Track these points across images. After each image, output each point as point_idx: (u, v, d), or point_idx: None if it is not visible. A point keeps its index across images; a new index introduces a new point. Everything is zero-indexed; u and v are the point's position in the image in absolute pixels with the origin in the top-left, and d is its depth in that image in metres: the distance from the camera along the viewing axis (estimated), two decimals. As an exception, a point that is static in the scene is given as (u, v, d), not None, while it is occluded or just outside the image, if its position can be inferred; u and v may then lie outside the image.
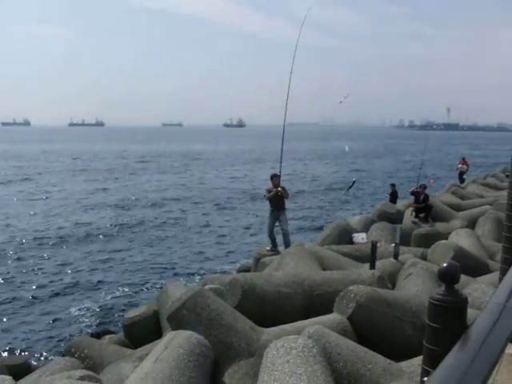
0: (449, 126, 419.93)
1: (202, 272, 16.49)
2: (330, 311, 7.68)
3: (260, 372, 5.76)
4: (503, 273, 4.47)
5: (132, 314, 10.57)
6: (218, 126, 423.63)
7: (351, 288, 7.56)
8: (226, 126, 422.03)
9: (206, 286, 9.24)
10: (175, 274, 16.60)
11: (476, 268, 10.31)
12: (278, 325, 7.60)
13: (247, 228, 24.44)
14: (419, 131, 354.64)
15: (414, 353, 6.29)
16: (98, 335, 11.48)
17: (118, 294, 14.99)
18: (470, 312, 6.79)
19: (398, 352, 6.94)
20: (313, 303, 8.54)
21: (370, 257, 9.60)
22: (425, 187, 16.68)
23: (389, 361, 6.29)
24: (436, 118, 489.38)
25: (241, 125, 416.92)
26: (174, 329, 7.14)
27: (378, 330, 7.37)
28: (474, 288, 8.67)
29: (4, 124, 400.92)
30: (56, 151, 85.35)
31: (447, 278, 2.91)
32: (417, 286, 8.60)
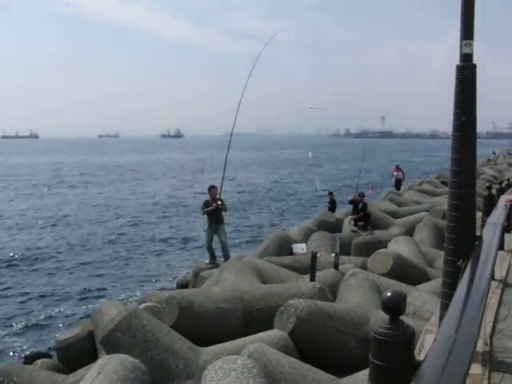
0: (384, 134, 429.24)
1: (140, 289, 15.96)
2: (271, 326, 7.46)
3: (198, 396, 5.47)
4: (446, 286, 4.35)
5: (65, 335, 10.05)
6: (155, 137, 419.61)
7: (291, 302, 7.37)
8: (164, 136, 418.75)
9: (143, 305, 8.86)
10: (113, 291, 15.98)
11: (416, 276, 10.32)
12: (219, 343, 7.32)
13: (186, 241, 23.92)
14: (355, 139, 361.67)
15: (357, 366, 6.16)
16: (31, 359, 10.84)
17: (53, 313, 14.31)
18: (413, 322, 6.72)
19: (341, 366, 6.79)
20: (253, 319, 8.30)
21: (310, 268, 9.43)
22: (363, 195, 16.76)
23: (332, 377, 6.12)
24: (371, 126, 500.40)
25: (178, 135, 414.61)
26: (107, 352, 6.76)
27: (320, 344, 7.20)
28: (414, 297, 8.64)
29: None
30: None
31: (391, 309, 2.65)
32: (357, 297, 8.48)
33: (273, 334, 7.14)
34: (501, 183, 17.75)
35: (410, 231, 15.10)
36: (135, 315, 6.95)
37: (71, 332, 10.08)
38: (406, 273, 10.26)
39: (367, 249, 12.57)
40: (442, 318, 3.50)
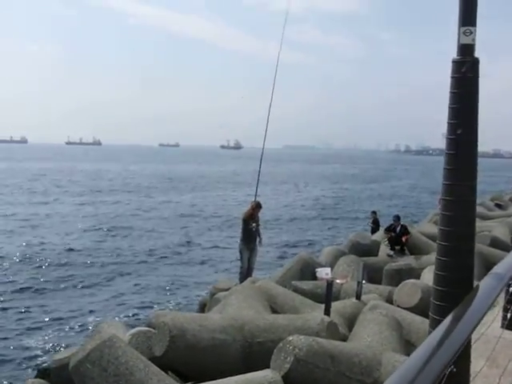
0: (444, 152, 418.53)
1: (154, 306, 15.23)
2: (272, 362, 6.57)
3: None
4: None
5: (62, 355, 9.42)
6: (214, 148, 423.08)
7: (290, 338, 6.47)
8: (223, 147, 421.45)
9: (135, 329, 8.11)
10: (123, 309, 15.07)
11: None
12: (212, 378, 6.48)
13: (217, 257, 23.02)
14: (415, 156, 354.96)
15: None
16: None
17: (56, 333, 13.44)
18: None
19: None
20: (253, 352, 7.43)
21: (325, 298, 8.48)
22: (398, 218, 15.45)
23: None
24: (432, 143, 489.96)
25: (238, 147, 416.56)
26: (77, 384, 6.05)
27: (319, 390, 6.27)
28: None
29: (0, 141, 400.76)
30: (55, 169, 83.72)
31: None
32: (372, 335, 7.47)
33: (263, 375, 6.25)
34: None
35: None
36: (109, 344, 6.20)
37: (68, 352, 9.45)
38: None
39: (399, 277, 11.48)
40: None
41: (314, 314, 8.21)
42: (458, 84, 3.49)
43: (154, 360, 6.93)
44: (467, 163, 3.39)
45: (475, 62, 3.48)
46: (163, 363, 7.00)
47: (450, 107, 3.49)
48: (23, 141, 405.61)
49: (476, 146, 3.42)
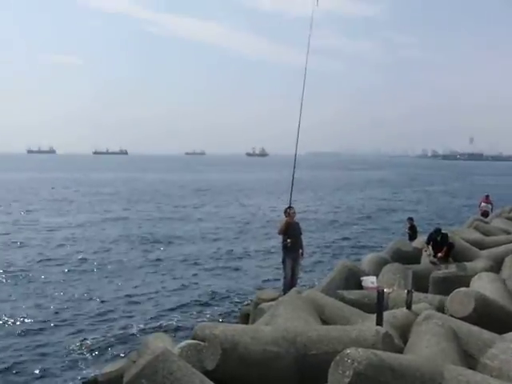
0: (473, 156, 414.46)
1: (193, 316, 15.07)
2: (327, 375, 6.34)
3: None
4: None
5: (109, 368, 9.37)
6: (240, 156, 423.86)
7: (348, 352, 6.22)
8: (249, 155, 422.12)
9: (184, 342, 7.94)
10: (163, 320, 14.89)
11: (503, 321, 8.86)
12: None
13: (256, 266, 22.69)
14: (443, 161, 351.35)
15: None
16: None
17: (99, 344, 13.20)
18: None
19: None
20: (307, 365, 7.21)
21: (376, 308, 8.22)
22: (439, 231, 14.90)
23: None
24: (458, 147, 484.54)
25: (263, 154, 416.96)
26: (132, 400, 5.89)
27: (380, 406, 6.02)
28: (501, 348, 7.26)
29: (29, 152, 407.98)
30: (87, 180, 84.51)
31: None
32: (429, 347, 7.19)
33: (322, 390, 6.03)
34: None
35: (497, 264, 13.44)
36: (163, 359, 6.04)
37: (115, 365, 9.39)
38: (491, 318, 8.83)
39: (447, 285, 11.15)
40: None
41: (368, 325, 7.97)
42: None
43: (205, 374, 6.76)
44: None
45: None
46: (215, 377, 6.82)
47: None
48: (51, 151, 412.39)
49: None
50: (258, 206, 47.52)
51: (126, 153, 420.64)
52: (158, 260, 23.36)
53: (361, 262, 14.54)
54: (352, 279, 11.86)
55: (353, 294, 10.63)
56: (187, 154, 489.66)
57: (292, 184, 14.57)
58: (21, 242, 27.08)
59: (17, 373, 11.47)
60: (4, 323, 14.53)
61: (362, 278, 11.62)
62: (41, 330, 14.10)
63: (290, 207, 14.01)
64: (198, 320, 14.03)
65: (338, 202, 54.07)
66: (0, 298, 16.90)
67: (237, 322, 12.78)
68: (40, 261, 22.59)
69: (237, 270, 21.74)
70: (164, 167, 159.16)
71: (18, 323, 14.54)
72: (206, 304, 16.41)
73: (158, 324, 14.41)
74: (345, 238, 30.82)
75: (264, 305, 10.86)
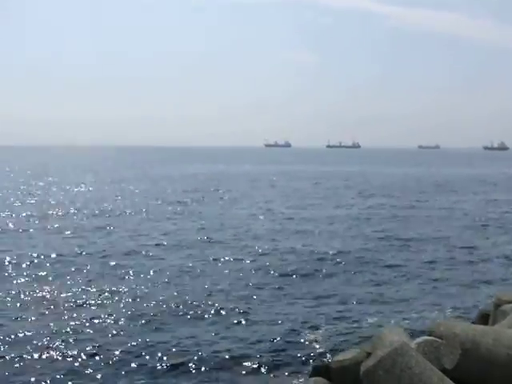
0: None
1: (427, 312, 14.61)
2: None
3: None
4: None
5: (342, 356, 9.49)
6: (476, 149, 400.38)
7: None
8: (486, 148, 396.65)
9: (421, 338, 7.73)
10: (397, 314, 14.72)
11: None
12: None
13: (498, 265, 21.10)
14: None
15: None
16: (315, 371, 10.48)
17: (330, 331, 13.56)
18: None
19: None
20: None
21: None
22: None
23: None
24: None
25: (503, 148, 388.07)
26: (368, 389, 5.94)
27: None
28: None
29: (267, 146, 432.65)
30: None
31: None
32: None
33: None
34: None
35: None
36: (401, 352, 5.98)
37: (348, 354, 9.49)
38: None
39: None
40: None
41: None
42: None
43: (442, 372, 6.54)
44: None
45: None
46: (453, 376, 6.57)
47: None
48: (287, 145, 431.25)
49: None
50: (498, 203, 44.27)
51: (358, 146, 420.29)
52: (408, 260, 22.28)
53: None
54: None
55: None
56: (420, 147, 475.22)
57: None
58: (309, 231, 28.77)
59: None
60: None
61: None
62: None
63: None
64: (431, 316, 13.65)
65: None
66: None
67: (473, 322, 12.14)
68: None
69: (476, 267, 20.46)
70: (395, 161, 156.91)
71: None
72: (439, 301, 15.82)
73: (390, 316, 14.32)
74: None
75: (506, 306, 10.14)
